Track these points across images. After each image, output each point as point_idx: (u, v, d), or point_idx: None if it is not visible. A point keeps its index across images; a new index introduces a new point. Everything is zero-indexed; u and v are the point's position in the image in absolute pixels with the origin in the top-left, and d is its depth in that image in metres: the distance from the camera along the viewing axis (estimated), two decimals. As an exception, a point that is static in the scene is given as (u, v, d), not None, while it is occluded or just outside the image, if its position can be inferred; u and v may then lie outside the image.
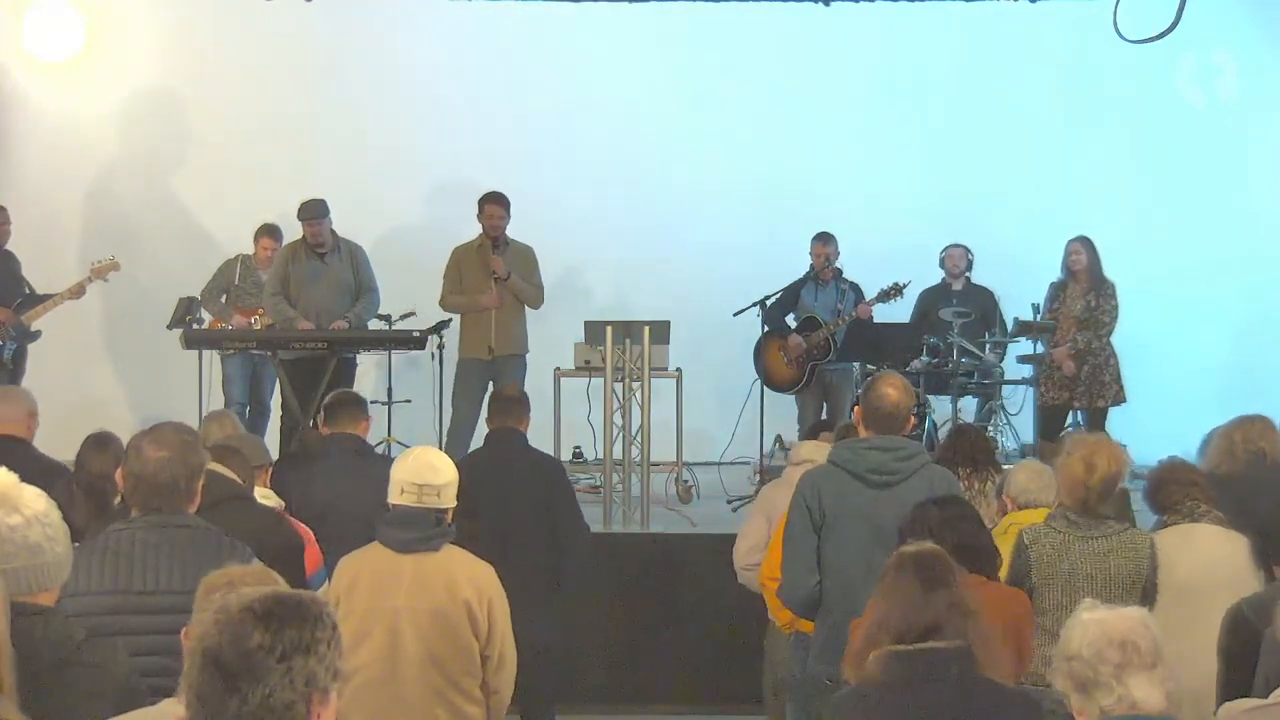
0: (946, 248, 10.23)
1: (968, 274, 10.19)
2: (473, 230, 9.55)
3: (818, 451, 6.05)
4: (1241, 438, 5.93)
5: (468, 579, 4.66)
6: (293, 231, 9.71)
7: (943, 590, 3.35)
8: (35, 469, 3.64)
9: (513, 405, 6.38)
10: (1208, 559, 4.98)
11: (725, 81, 11.19)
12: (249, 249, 10.09)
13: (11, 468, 3.27)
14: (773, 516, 6.05)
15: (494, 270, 9.29)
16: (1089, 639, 3.11)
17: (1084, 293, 9.62)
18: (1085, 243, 9.66)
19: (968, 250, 10.21)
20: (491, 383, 9.26)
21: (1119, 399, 9.61)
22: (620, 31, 11.00)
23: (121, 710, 2.91)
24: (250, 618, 2.29)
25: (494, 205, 9.35)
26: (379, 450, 9.04)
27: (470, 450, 8.25)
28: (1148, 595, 4.70)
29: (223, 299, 9.94)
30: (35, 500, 3.18)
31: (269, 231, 9.99)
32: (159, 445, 3.80)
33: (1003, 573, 4.74)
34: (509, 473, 6.12)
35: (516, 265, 9.37)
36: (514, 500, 6.06)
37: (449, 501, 4.70)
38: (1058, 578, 4.67)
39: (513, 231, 9.51)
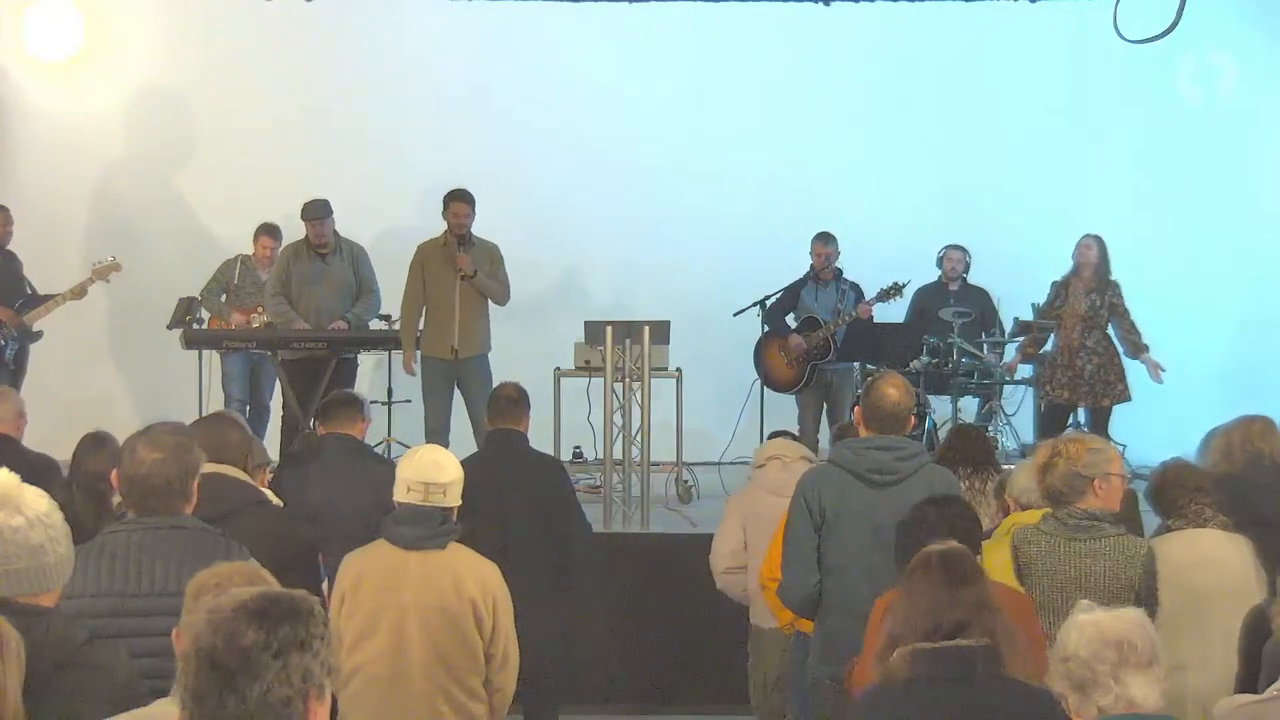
0: (945, 249, 10.24)
1: (964, 275, 10.21)
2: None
3: (785, 447, 6.08)
4: (1240, 438, 5.90)
5: (473, 577, 4.69)
6: (294, 231, 9.72)
7: (970, 588, 3.35)
8: (25, 468, 3.63)
9: (512, 406, 6.36)
10: (1214, 564, 4.96)
11: (726, 82, 11.19)
12: (249, 249, 10.10)
13: (2, 466, 3.28)
14: (746, 519, 6.08)
15: (460, 268, 9.20)
16: (1085, 639, 3.12)
17: (1088, 291, 9.61)
18: (1097, 240, 9.66)
19: (966, 252, 10.22)
20: (457, 383, 9.25)
21: (1123, 397, 9.60)
22: (621, 32, 11.00)
23: (121, 712, 2.91)
24: (244, 616, 2.30)
25: (460, 203, 9.26)
26: (378, 450, 9.06)
27: (459, 450, 8.23)
28: (1144, 603, 4.67)
29: (222, 298, 9.95)
30: (37, 501, 3.18)
31: (269, 231, 10.00)
32: (153, 446, 3.80)
33: (1008, 575, 4.74)
34: (510, 473, 6.12)
35: (482, 263, 9.28)
36: (515, 501, 6.07)
37: (454, 499, 4.72)
38: (1044, 579, 4.66)
39: (515, 231, 9.50)
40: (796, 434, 8.70)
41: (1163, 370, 9.59)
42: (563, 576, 6.26)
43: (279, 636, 2.29)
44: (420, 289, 9.31)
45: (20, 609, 3.02)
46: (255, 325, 9.67)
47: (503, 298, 9.41)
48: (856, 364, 9.88)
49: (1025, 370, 10.16)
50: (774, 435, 7.42)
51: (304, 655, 2.30)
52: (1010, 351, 10.12)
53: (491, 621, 4.70)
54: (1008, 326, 10.06)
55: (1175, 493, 5.22)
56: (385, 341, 9.51)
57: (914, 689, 3.27)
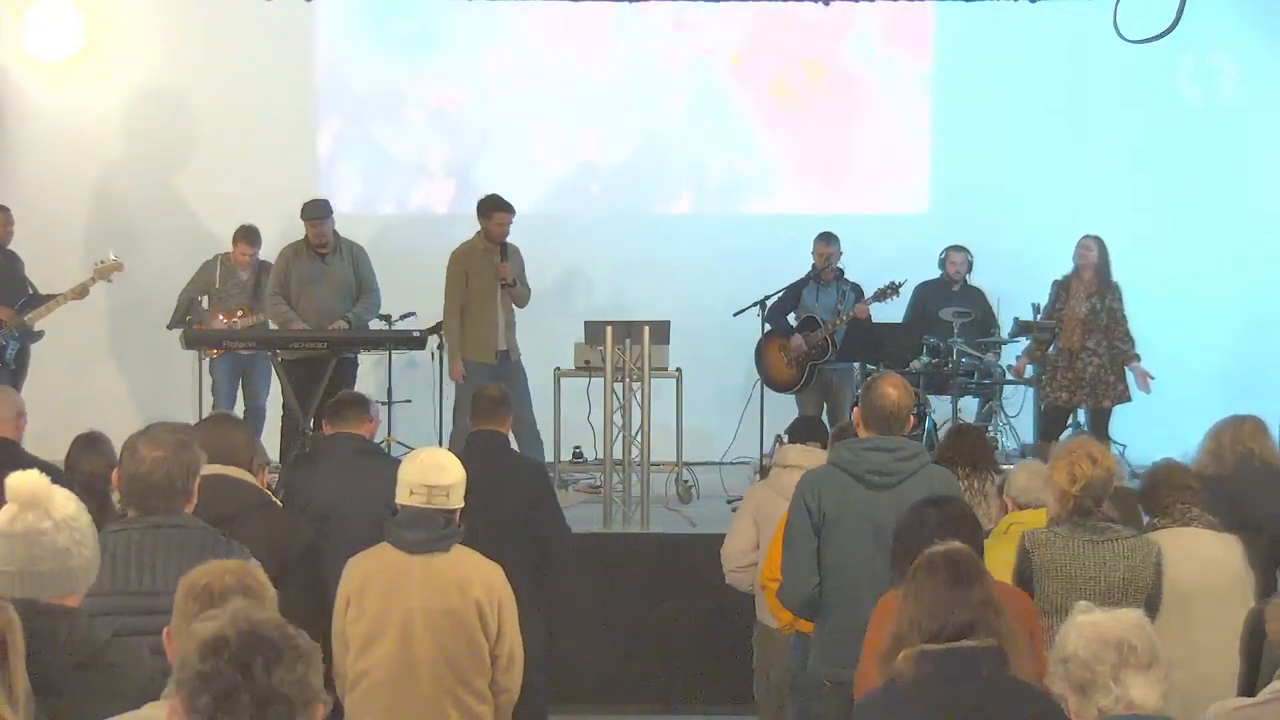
0: (947, 250, 10.24)
1: (967, 276, 10.21)
2: (474, 229, 9.52)
3: (804, 456, 6.05)
4: (1230, 438, 5.90)
5: (479, 579, 4.69)
6: (294, 232, 9.71)
7: (975, 588, 3.35)
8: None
9: (495, 407, 6.37)
10: (1201, 563, 4.96)
11: (726, 81, 11.20)
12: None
13: (2, 469, 3.27)
14: (759, 518, 6.08)
15: (502, 277, 9.29)
16: (1085, 640, 3.12)
17: (1089, 294, 9.59)
18: (1097, 241, 9.63)
19: (968, 253, 10.22)
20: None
21: (1123, 397, 9.58)
22: (621, 31, 11.01)
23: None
24: (241, 687, 2.32)
25: (505, 213, 9.33)
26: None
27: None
28: (1152, 604, 4.67)
29: (203, 300, 9.84)
30: (66, 504, 3.18)
31: (247, 237, 9.75)
32: (154, 445, 3.82)
33: (1007, 575, 4.74)
34: (492, 476, 6.09)
35: (515, 269, 9.41)
36: (497, 503, 6.03)
37: (457, 502, 4.72)
38: (1060, 582, 4.65)
39: (514, 230, 9.52)
40: (825, 421, 8.69)
41: (1151, 378, 9.55)
42: (547, 579, 6.28)
43: (278, 689, 2.32)
44: (461, 294, 9.33)
45: (45, 609, 3.04)
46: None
47: (526, 301, 9.54)
48: (856, 364, 9.88)
49: (1030, 371, 10.14)
50: (799, 424, 7.40)
51: (300, 689, 2.33)
52: (1009, 353, 10.11)
53: (497, 623, 4.70)
54: (1007, 326, 10.06)
55: (1163, 492, 5.23)
56: (385, 341, 9.50)
57: (920, 690, 3.26)
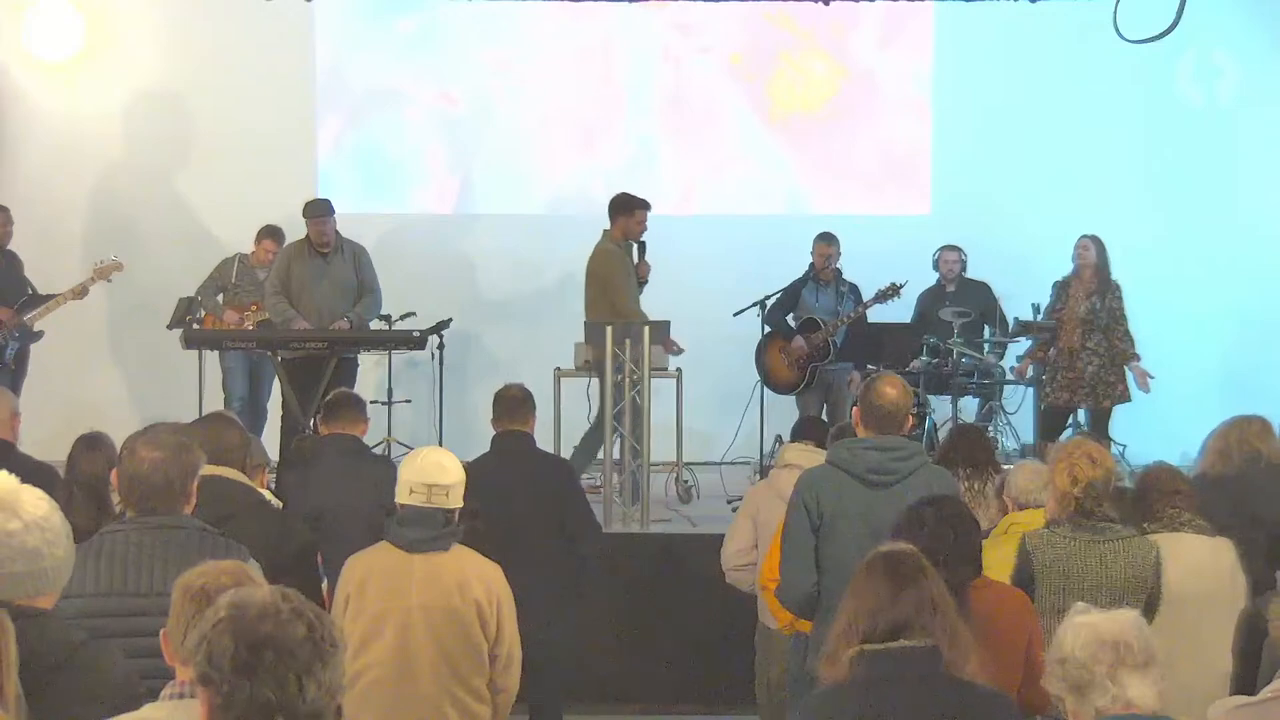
0: (940, 250, 10.24)
1: (962, 274, 10.21)
2: (474, 229, 9.52)
3: (803, 456, 6.05)
4: (1238, 439, 5.90)
5: (478, 578, 4.70)
6: (296, 231, 9.71)
7: (911, 589, 3.34)
8: (22, 471, 3.62)
9: (518, 407, 6.36)
10: (1193, 567, 4.96)
11: (726, 80, 11.20)
12: (249, 249, 10.07)
13: None
14: (758, 518, 6.08)
15: (642, 276, 9.32)
16: (1082, 641, 3.12)
17: (1088, 293, 9.58)
18: (1095, 240, 9.62)
19: (961, 251, 10.22)
20: None
21: (1123, 398, 9.57)
22: (621, 31, 11.01)
23: (117, 713, 2.91)
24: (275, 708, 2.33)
25: (645, 210, 9.34)
26: (378, 450, 9.05)
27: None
28: (1152, 604, 4.67)
29: (219, 297, 9.92)
30: (36, 504, 3.15)
31: (271, 234, 9.95)
32: (153, 446, 3.81)
33: (1007, 575, 4.74)
34: (518, 475, 6.12)
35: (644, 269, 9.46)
36: (524, 503, 6.06)
37: (457, 501, 4.73)
38: (1061, 582, 4.64)
39: (515, 230, 9.50)
40: (826, 420, 8.70)
41: (1151, 378, 9.54)
42: (572, 577, 6.28)
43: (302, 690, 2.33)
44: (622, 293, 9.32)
45: (16, 610, 3.02)
46: (248, 324, 9.66)
47: None
48: (852, 364, 9.87)
49: (1033, 372, 10.13)
50: (801, 425, 7.38)
51: (329, 695, 2.36)
52: (1013, 352, 10.10)
53: (496, 623, 4.72)
54: (1010, 325, 10.05)
55: (1152, 496, 5.23)
56: (385, 341, 9.50)
57: (856, 690, 3.28)
